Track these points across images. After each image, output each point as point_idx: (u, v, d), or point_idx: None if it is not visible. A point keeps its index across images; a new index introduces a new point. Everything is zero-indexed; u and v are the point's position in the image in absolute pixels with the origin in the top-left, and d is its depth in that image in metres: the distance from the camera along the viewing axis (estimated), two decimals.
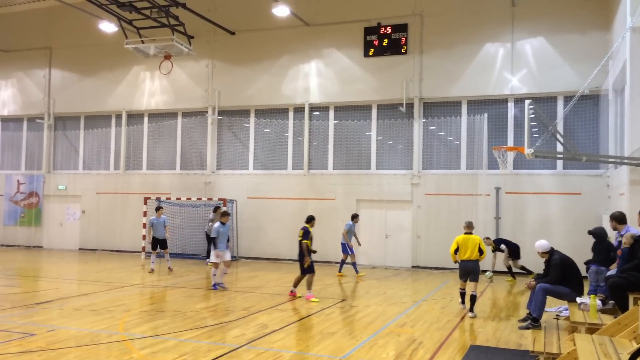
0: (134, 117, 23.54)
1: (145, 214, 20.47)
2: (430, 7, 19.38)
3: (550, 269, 9.21)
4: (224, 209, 13.63)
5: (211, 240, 19.10)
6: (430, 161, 19.41)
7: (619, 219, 9.18)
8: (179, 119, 22.65)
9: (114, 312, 10.53)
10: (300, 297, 12.34)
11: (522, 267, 16.29)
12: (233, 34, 21.76)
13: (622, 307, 7.60)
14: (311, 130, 20.78)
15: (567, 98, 17.15)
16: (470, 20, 18.97)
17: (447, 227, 18.02)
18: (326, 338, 8.84)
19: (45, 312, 10.49)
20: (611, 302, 8.08)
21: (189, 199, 21.09)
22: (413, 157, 19.32)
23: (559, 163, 17.73)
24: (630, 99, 12.44)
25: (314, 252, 12.50)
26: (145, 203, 20.93)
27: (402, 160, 19.69)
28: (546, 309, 9.25)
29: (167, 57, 19.38)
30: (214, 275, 13.49)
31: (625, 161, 12.14)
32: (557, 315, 9.52)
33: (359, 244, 17.48)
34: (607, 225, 10.95)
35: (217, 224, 13.69)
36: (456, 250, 11.17)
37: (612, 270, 8.85)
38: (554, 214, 17.64)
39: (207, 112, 21.97)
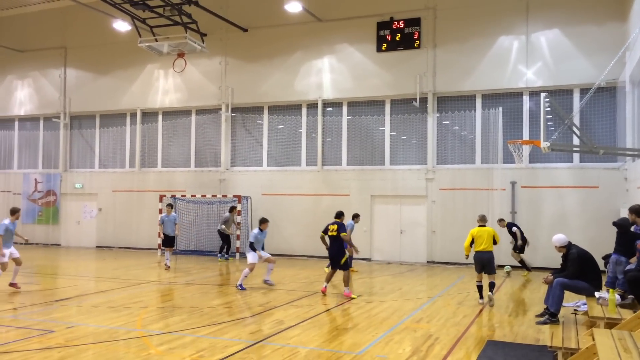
0: (149, 115, 23.69)
1: (160, 211, 20.62)
2: (443, 1, 19.22)
3: (567, 264, 9.11)
4: (264, 217, 13.39)
5: (225, 239, 19.27)
6: (445, 156, 19.31)
7: (638, 212, 9.07)
8: (193, 117, 22.75)
9: (131, 308, 10.63)
10: (355, 297, 12.09)
11: (521, 261, 16.15)
12: (245, 30, 21.79)
13: None
14: (324, 126, 20.76)
15: (583, 90, 16.95)
16: (483, 12, 18.80)
17: (463, 222, 17.93)
18: (342, 334, 8.84)
19: (64, 309, 10.62)
20: (630, 296, 7.99)
21: (203, 196, 21.19)
22: (427, 152, 19.23)
23: (576, 156, 17.54)
24: None
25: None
26: (161, 200, 21.08)
27: (416, 155, 19.61)
28: (564, 303, 9.17)
29: (181, 55, 19.48)
30: (245, 276, 13.22)
31: None
32: (574, 310, 9.43)
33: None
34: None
35: (256, 231, 13.32)
36: (471, 243, 11.31)
37: (632, 264, 8.74)
38: (571, 208, 17.46)
39: (220, 109, 22.04)
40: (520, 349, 7.99)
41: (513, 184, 18.07)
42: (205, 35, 20.70)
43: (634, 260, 8.80)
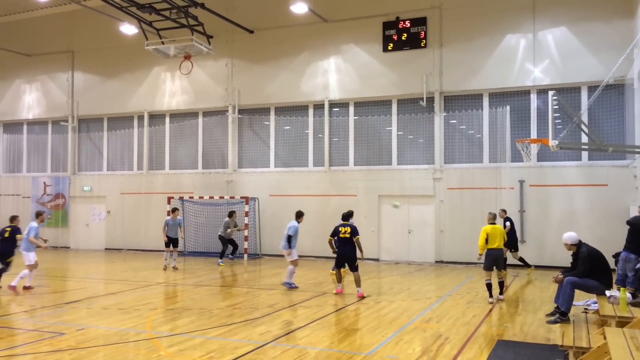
0: (156, 118, 23.78)
1: (168, 213, 20.64)
2: (449, 0, 19.19)
3: (578, 262, 9.07)
4: (300, 210, 13.52)
5: (226, 243, 19.09)
6: (452, 155, 19.26)
7: None
8: (200, 119, 22.82)
9: (141, 310, 10.67)
10: (366, 296, 12.16)
11: (521, 259, 16.09)
12: (252, 32, 21.83)
13: None
14: (331, 127, 20.76)
15: (591, 88, 16.86)
16: (490, 11, 18.75)
17: (471, 221, 17.89)
18: (351, 334, 8.84)
19: (74, 311, 10.67)
20: None
21: (211, 197, 21.24)
22: (434, 151, 19.18)
23: (584, 154, 17.44)
24: None
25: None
26: (169, 202, 21.16)
27: (424, 154, 19.57)
28: (574, 302, 9.12)
29: (187, 57, 19.52)
30: (294, 272, 13.28)
31: None
32: (585, 309, 9.38)
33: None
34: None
35: (296, 223, 13.28)
36: (486, 240, 11.49)
37: None
38: (580, 206, 17.37)
39: (227, 111, 22.09)
40: (531, 348, 7.94)
41: (521, 182, 18.00)
42: (211, 37, 20.73)
43: None
